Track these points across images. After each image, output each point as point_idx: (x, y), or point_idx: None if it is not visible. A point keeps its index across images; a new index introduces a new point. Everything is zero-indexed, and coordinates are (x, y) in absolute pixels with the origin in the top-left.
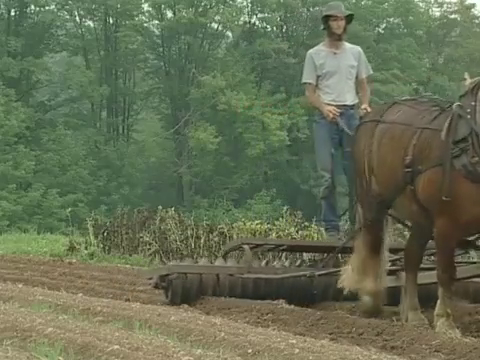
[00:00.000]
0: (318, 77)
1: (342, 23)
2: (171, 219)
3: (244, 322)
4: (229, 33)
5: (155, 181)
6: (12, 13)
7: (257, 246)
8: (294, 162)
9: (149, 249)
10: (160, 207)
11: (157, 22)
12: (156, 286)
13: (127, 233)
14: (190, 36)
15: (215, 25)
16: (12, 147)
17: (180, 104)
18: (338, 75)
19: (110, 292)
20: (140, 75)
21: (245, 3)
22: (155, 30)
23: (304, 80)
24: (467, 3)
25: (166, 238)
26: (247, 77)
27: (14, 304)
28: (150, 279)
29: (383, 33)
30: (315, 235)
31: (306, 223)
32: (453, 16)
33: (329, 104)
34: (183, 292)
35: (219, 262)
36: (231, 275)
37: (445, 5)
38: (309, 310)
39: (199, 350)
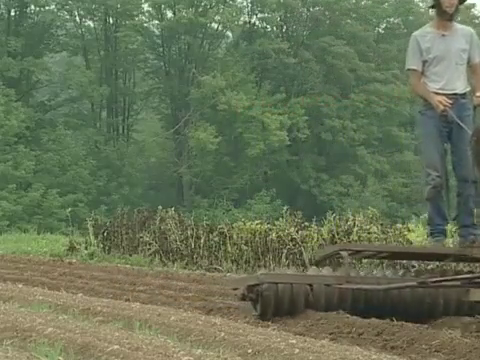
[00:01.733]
0: (424, 63)
1: (455, 1)
2: (171, 219)
3: (244, 322)
4: (229, 33)
5: (155, 181)
6: (12, 13)
7: (356, 253)
8: (294, 162)
9: (149, 249)
10: (160, 207)
11: (157, 22)
12: (243, 297)
13: (127, 233)
14: (190, 36)
15: (215, 25)
16: (12, 147)
17: (180, 104)
18: (447, 60)
19: (110, 292)
20: (140, 75)
21: (245, 3)
22: (155, 30)
23: (408, 66)
24: (467, 3)
25: (166, 238)
26: (247, 77)
27: (14, 304)
28: (235, 289)
29: (383, 33)
30: (315, 235)
31: (306, 223)
32: None
33: (437, 93)
34: (275, 304)
35: (313, 270)
36: (328, 285)
37: None
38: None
39: (199, 350)
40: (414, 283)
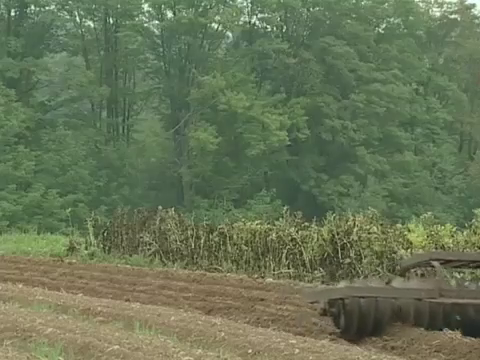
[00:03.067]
0: None
1: None
2: (171, 219)
3: (244, 322)
4: (229, 33)
5: (155, 181)
6: (12, 13)
7: (446, 262)
8: (294, 162)
9: (149, 249)
10: (160, 207)
11: (157, 22)
12: (324, 312)
13: (127, 233)
14: (190, 36)
15: (215, 25)
16: (12, 147)
17: (180, 104)
18: None
19: (110, 292)
20: (140, 75)
21: (245, 3)
22: (155, 30)
23: None
24: (467, 3)
25: (166, 238)
26: (247, 77)
27: (14, 304)
28: (314, 303)
29: (383, 33)
30: (315, 235)
31: (306, 223)
32: (453, 16)
33: None
34: (359, 320)
35: (399, 282)
36: (419, 299)
37: (445, 5)
38: (308, 310)
39: (199, 350)
40: None
